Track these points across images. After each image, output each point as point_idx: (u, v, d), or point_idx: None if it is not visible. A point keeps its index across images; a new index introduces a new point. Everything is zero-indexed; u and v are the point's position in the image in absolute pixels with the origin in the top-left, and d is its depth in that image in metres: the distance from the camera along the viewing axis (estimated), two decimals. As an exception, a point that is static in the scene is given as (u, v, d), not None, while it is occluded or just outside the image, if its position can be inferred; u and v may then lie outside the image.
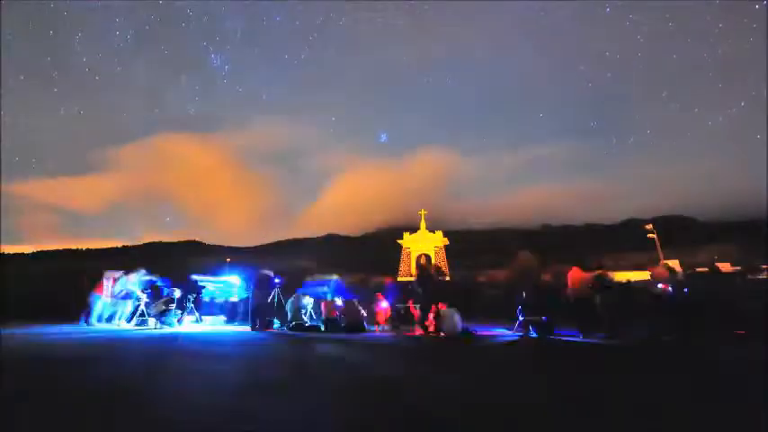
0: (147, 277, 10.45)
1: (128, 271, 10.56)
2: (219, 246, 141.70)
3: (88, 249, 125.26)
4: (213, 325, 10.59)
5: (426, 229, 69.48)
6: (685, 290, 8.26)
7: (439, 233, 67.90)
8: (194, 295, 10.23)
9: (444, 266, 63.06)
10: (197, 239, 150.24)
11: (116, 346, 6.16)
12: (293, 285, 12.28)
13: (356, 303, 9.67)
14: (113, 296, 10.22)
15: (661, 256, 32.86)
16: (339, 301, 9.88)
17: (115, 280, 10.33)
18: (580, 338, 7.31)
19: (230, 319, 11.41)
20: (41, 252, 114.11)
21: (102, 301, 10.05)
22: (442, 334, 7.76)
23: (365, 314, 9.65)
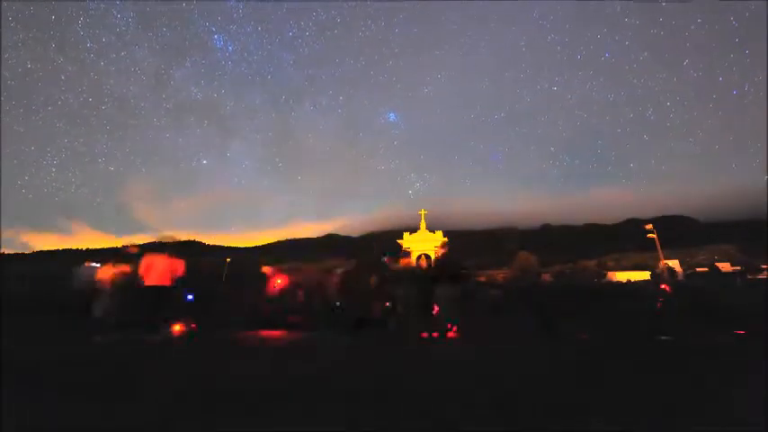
0: None
1: None
2: (219, 246, 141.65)
3: (88, 249, 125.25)
4: None
5: (426, 228, 69.59)
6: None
7: (439, 233, 67.93)
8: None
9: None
10: (197, 239, 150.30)
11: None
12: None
13: None
14: None
15: (661, 256, 32.85)
16: None
17: None
18: None
19: None
20: (41, 252, 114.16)
21: None
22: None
23: None
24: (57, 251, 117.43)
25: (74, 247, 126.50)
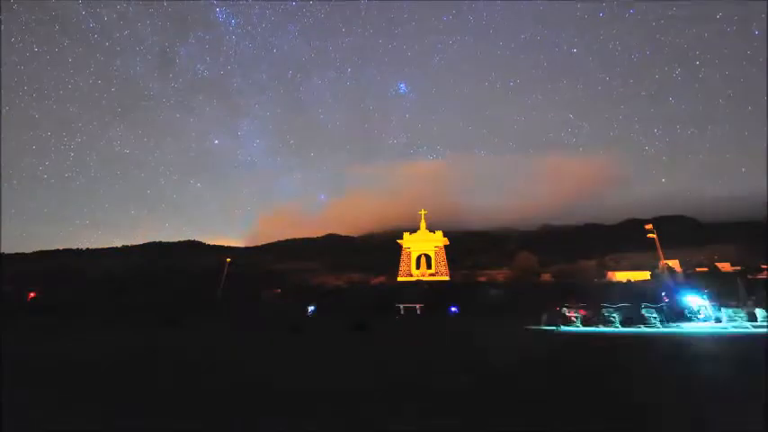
0: None
1: None
2: (220, 246, 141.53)
3: (88, 249, 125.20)
4: None
5: (426, 228, 69.46)
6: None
7: (439, 233, 67.83)
8: None
9: (444, 266, 63.08)
10: (197, 239, 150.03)
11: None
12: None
13: None
14: None
15: (661, 256, 32.83)
16: None
17: None
18: None
19: None
20: (42, 252, 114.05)
21: None
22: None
23: None
24: (56, 251, 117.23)
25: (74, 247, 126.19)
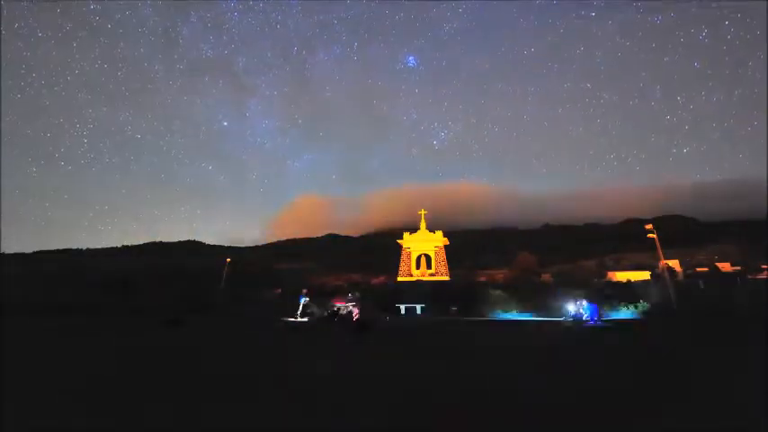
0: None
1: None
2: (220, 245, 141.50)
3: (88, 249, 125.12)
4: None
5: (426, 228, 69.39)
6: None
7: (439, 233, 67.77)
8: None
9: (444, 266, 63.06)
10: (197, 239, 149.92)
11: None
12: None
13: None
14: None
15: (661, 255, 32.84)
16: None
17: None
18: None
19: None
20: (42, 252, 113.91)
21: None
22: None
23: None
24: (56, 251, 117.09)
25: (74, 247, 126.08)
